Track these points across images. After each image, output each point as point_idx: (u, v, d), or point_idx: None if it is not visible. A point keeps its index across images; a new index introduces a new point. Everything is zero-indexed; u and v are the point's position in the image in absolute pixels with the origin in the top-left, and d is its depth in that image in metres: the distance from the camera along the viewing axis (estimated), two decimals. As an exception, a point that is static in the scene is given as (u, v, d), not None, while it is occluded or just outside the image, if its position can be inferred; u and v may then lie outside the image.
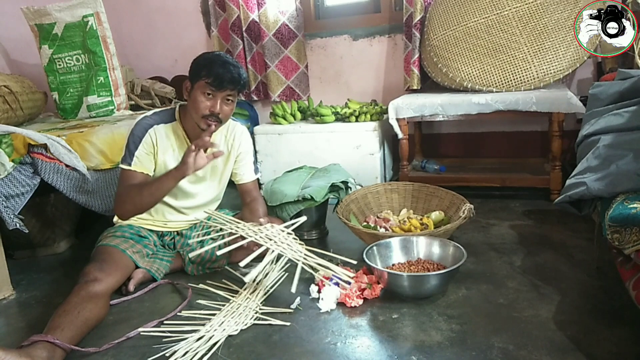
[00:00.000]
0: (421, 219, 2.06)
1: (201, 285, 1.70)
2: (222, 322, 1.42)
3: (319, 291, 1.58)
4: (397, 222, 2.10)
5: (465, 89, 2.51)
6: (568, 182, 1.38)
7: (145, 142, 1.70)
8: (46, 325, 1.32)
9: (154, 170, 1.75)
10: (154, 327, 1.45)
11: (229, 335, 1.37)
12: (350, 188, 2.26)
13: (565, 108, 2.21)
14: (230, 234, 1.92)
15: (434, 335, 1.32)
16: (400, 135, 2.55)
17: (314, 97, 3.29)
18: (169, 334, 1.39)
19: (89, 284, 1.48)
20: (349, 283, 1.52)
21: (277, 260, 1.80)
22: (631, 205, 1.11)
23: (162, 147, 1.73)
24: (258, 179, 1.98)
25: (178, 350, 1.29)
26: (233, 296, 1.60)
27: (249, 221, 1.69)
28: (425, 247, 1.72)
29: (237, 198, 2.05)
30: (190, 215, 1.91)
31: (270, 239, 1.55)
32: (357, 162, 2.68)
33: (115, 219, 1.90)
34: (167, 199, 1.84)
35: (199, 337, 1.35)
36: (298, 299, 1.56)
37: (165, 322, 1.48)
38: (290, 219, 2.03)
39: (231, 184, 1.99)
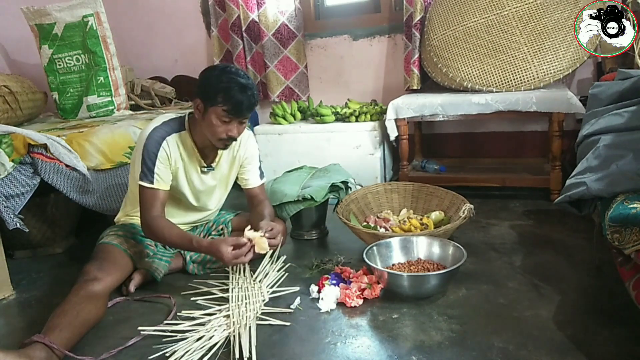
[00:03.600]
0: (421, 219, 2.06)
1: (201, 286, 1.70)
2: (222, 322, 1.42)
3: (319, 291, 1.58)
4: (397, 222, 2.09)
5: (465, 89, 2.50)
6: (568, 182, 1.38)
7: (161, 156, 1.64)
8: (45, 325, 1.32)
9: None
10: (154, 327, 1.45)
11: (229, 335, 1.37)
12: (350, 188, 2.26)
13: (565, 108, 2.21)
14: (232, 231, 1.94)
15: (434, 335, 1.32)
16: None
17: (314, 97, 3.29)
18: (169, 334, 1.39)
19: (88, 283, 1.48)
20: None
21: (276, 261, 1.80)
22: (631, 205, 1.11)
23: (174, 158, 1.69)
24: None
25: (178, 350, 1.29)
26: (233, 297, 1.59)
27: (255, 225, 1.66)
28: (425, 247, 1.72)
29: (236, 198, 2.06)
30: (196, 217, 1.91)
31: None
32: (357, 162, 2.68)
33: (117, 218, 1.90)
34: (175, 205, 1.83)
35: (199, 337, 1.35)
36: (298, 299, 1.56)
37: (165, 322, 1.48)
38: (290, 218, 2.04)
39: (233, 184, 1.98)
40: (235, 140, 1.66)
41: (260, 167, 1.91)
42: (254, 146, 1.89)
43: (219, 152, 1.78)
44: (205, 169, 1.77)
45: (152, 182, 1.63)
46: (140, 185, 1.64)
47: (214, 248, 1.55)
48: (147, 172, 1.63)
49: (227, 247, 1.53)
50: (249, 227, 1.60)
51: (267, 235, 1.58)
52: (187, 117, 1.73)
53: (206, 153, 1.75)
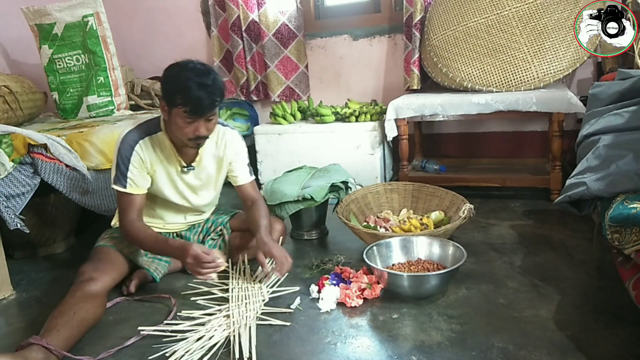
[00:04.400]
0: (421, 219, 2.06)
1: (201, 286, 1.70)
2: (222, 322, 1.42)
3: (319, 291, 1.58)
4: (397, 222, 2.09)
5: (465, 89, 2.50)
6: (568, 182, 1.38)
7: (134, 160, 1.63)
8: (42, 327, 1.32)
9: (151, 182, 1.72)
10: (154, 327, 1.45)
11: (229, 335, 1.37)
12: (350, 188, 2.26)
13: (565, 108, 2.22)
14: (231, 232, 1.93)
15: (434, 335, 1.32)
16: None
17: (314, 97, 3.29)
18: (169, 334, 1.39)
19: (84, 283, 1.48)
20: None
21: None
22: (631, 205, 1.11)
23: (150, 160, 1.67)
24: (258, 179, 1.96)
25: (178, 350, 1.30)
26: (232, 297, 1.59)
27: (252, 228, 1.67)
28: (425, 247, 1.72)
29: (236, 198, 2.05)
30: (188, 218, 1.91)
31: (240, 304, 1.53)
32: (357, 162, 2.68)
33: (113, 221, 1.90)
34: (164, 206, 1.82)
35: (199, 337, 1.35)
36: (298, 299, 1.56)
37: (165, 322, 1.48)
38: (290, 218, 2.03)
39: (230, 184, 1.98)
40: (207, 137, 1.62)
41: (249, 165, 1.89)
42: (240, 144, 1.86)
43: (200, 151, 1.75)
44: (186, 169, 1.74)
45: (124, 187, 1.62)
46: (116, 190, 1.64)
47: (183, 249, 1.54)
48: (120, 176, 1.62)
49: (193, 253, 1.51)
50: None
51: (272, 270, 1.62)
52: (162, 117, 1.69)
53: (185, 152, 1.72)
